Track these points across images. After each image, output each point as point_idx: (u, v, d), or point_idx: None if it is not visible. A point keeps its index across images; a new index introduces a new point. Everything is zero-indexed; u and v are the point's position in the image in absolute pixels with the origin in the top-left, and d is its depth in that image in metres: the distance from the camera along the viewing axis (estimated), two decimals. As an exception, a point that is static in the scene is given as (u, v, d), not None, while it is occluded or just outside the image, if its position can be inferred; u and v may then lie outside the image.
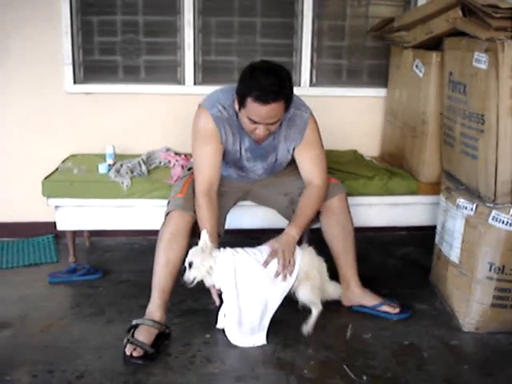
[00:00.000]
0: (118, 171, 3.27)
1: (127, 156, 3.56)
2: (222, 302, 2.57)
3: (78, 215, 3.21)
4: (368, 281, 2.91)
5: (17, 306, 2.86)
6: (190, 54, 3.76)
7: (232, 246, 2.59)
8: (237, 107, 2.49)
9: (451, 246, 2.82)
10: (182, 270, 2.61)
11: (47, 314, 2.79)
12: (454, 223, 2.81)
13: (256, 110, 2.39)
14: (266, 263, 2.53)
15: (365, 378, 2.32)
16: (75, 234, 3.37)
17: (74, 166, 3.39)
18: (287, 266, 2.54)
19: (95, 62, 3.78)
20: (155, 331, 2.48)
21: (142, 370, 2.34)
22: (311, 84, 3.89)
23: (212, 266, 2.46)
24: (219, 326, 2.63)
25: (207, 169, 2.60)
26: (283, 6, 3.83)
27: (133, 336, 2.45)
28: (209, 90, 3.63)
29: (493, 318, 2.66)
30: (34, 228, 3.76)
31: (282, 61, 3.83)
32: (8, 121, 3.71)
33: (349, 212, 2.84)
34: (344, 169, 3.39)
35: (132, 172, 3.29)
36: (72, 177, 3.27)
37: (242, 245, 2.60)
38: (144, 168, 3.37)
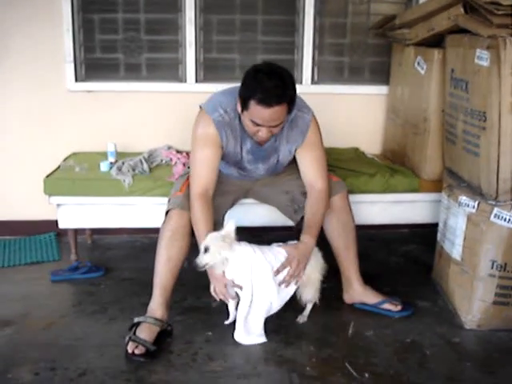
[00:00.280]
0: (119, 169, 3.27)
1: (129, 154, 3.56)
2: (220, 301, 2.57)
3: (79, 213, 3.21)
4: (370, 278, 2.91)
5: (19, 304, 2.86)
6: (192, 51, 3.76)
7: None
8: (239, 109, 2.48)
9: (453, 244, 2.82)
10: (184, 268, 2.62)
11: (49, 312, 2.80)
12: (455, 221, 2.80)
13: (259, 112, 2.37)
14: (277, 271, 2.53)
15: (367, 375, 2.32)
16: (77, 232, 3.37)
17: (76, 164, 3.39)
18: (295, 276, 2.55)
19: (97, 60, 3.78)
20: (157, 329, 2.49)
21: (144, 367, 2.34)
22: (313, 81, 3.89)
23: (228, 257, 2.44)
24: (230, 320, 2.62)
25: (204, 172, 2.57)
26: (285, 3, 3.82)
27: (135, 334, 2.45)
28: (210, 87, 3.65)
29: (495, 315, 2.66)
30: (36, 226, 3.77)
31: (284, 58, 3.85)
32: (9, 119, 3.71)
33: (350, 210, 2.83)
34: (346, 166, 3.38)
35: (133, 170, 3.29)
36: (74, 175, 3.27)
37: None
38: (146, 166, 3.37)
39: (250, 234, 3.30)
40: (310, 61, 3.85)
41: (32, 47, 3.61)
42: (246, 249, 2.50)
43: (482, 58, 2.54)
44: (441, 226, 3.04)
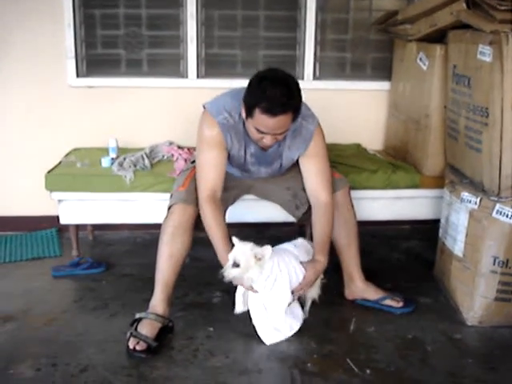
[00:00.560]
0: (120, 165, 3.27)
1: (130, 150, 3.56)
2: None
3: (81, 209, 3.21)
4: (371, 275, 2.91)
5: (20, 300, 2.86)
6: (193, 47, 3.75)
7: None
8: (244, 115, 2.45)
9: (455, 240, 2.82)
10: (185, 264, 2.62)
11: (50, 308, 2.80)
12: (457, 217, 2.80)
13: (264, 121, 2.34)
14: (293, 293, 2.51)
15: (368, 371, 2.32)
16: (78, 227, 3.37)
17: (77, 160, 3.39)
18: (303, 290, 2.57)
19: (98, 56, 3.78)
20: (158, 325, 2.48)
21: (145, 363, 2.34)
22: (314, 77, 3.88)
23: (255, 277, 2.40)
24: (238, 310, 2.60)
25: (211, 174, 2.54)
26: (286, -2, 3.82)
27: (136, 330, 2.45)
28: (212, 83, 3.66)
29: (496, 311, 2.65)
30: (37, 222, 3.77)
31: (286, 54, 3.85)
32: (11, 114, 3.71)
33: (352, 206, 2.83)
34: (347, 162, 3.38)
35: (135, 166, 3.29)
36: (75, 170, 3.27)
37: (246, 238, 2.58)
38: (147, 162, 3.36)
39: (252, 230, 3.33)
40: (311, 56, 3.84)
41: (33, 42, 3.61)
42: (274, 269, 2.43)
43: (485, 53, 2.53)
44: (443, 222, 3.03)
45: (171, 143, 3.67)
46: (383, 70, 3.91)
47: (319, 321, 2.70)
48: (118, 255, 3.46)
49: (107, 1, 3.68)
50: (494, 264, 2.59)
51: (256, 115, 2.34)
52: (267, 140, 2.44)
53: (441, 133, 3.20)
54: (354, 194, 2.93)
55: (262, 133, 2.40)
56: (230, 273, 2.36)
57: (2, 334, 2.55)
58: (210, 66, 3.84)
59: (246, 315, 2.54)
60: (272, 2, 3.80)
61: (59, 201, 3.18)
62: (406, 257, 3.53)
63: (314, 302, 2.71)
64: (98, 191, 3.18)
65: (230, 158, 2.64)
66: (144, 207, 3.22)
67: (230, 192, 2.81)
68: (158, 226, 2.65)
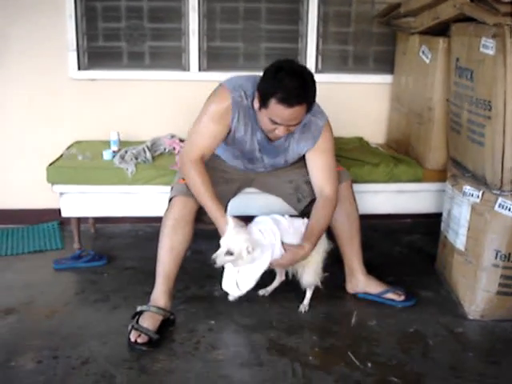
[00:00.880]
0: (122, 158, 3.26)
1: (132, 142, 3.55)
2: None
3: (82, 202, 3.21)
4: (373, 268, 2.91)
5: (22, 293, 2.86)
6: (195, 39, 3.74)
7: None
8: (256, 106, 2.44)
9: (457, 234, 2.81)
10: (187, 257, 2.62)
11: (52, 301, 2.80)
12: (460, 210, 2.79)
13: (279, 111, 2.34)
14: (271, 264, 2.52)
15: (369, 364, 2.32)
16: (80, 220, 3.37)
17: (79, 153, 3.38)
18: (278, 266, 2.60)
19: (99, 48, 3.77)
20: (160, 317, 2.49)
21: (147, 356, 2.35)
22: (317, 70, 3.86)
23: (245, 265, 2.44)
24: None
25: (204, 143, 2.53)
26: (289, -9, 3.81)
27: (137, 322, 2.45)
28: (214, 76, 3.65)
29: (498, 305, 2.65)
30: (39, 215, 3.77)
31: (288, 47, 3.84)
32: (12, 107, 3.71)
33: (354, 199, 2.83)
34: (349, 156, 3.37)
35: (136, 158, 3.28)
36: (76, 163, 3.27)
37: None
38: (149, 154, 3.36)
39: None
40: (313, 49, 3.83)
41: (34, 35, 3.60)
42: (266, 248, 2.46)
43: (488, 46, 2.52)
44: (445, 215, 3.03)
45: (173, 136, 3.66)
46: (386, 63, 3.90)
47: (321, 314, 2.71)
48: (120, 248, 3.47)
49: (109, -7, 3.68)
50: (495, 258, 2.59)
51: (271, 105, 2.34)
52: (280, 131, 2.43)
53: (443, 126, 3.20)
54: (356, 187, 2.92)
55: (276, 123, 2.40)
56: (222, 260, 2.39)
57: (4, 327, 2.55)
58: (212, 59, 3.83)
59: (247, 308, 2.55)
60: (274, -6, 3.80)
61: (61, 194, 3.19)
62: (408, 250, 3.53)
63: (316, 293, 2.71)
64: (99, 184, 3.18)
65: (234, 143, 2.62)
66: (146, 200, 3.22)
67: (231, 185, 2.81)
68: (159, 219, 2.65)
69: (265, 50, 3.84)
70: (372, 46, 3.93)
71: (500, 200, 2.55)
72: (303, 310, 2.72)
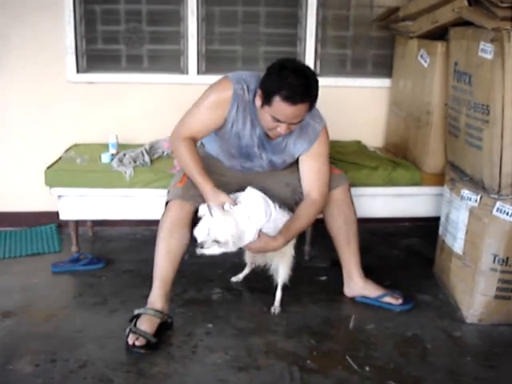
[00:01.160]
0: (120, 161, 3.26)
1: (130, 146, 3.55)
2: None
3: (80, 205, 3.21)
4: (371, 272, 2.91)
5: (19, 296, 2.86)
6: (194, 43, 3.74)
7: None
8: (258, 103, 2.45)
9: (455, 238, 2.81)
10: (185, 260, 2.62)
11: (50, 304, 2.80)
12: (458, 214, 2.79)
13: (283, 109, 2.35)
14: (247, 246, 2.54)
15: (367, 368, 2.32)
16: (78, 223, 3.37)
17: (77, 156, 3.38)
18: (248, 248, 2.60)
19: (98, 51, 3.77)
20: (157, 321, 2.48)
21: (145, 359, 2.34)
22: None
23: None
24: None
25: (196, 126, 2.56)
26: (287, -5, 3.81)
27: (135, 325, 2.45)
28: (212, 79, 3.62)
29: (496, 309, 2.65)
30: (37, 217, 3.77)
31: (286, 50, 3.85)
32: (10, 110, 3.71)
33: (352, 203, 2.83)
34: (347, 159, 3.38)
35: (135, 162, 3.28)
36: (75, 166, 3.26)
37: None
38: (147, 158, 3.36)
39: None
40: (312, 53, 3.84)
41: (33, 38, 3.60)
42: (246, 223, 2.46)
43: (486, 50, 2.52)
44: (443, 219, 3.03)
45: (171, 139, 3.66)
46: (384, 67, 3.90)
47: (318, 318, 2.71)
48: (118, 251, 3.46)
49: (107, -4, 3.69)
50: (493, 262, 2.59)
51: (275, 103, 2.35)
52: (281, 129, 2.44)
53: (441, 130, 3.20)
54: (354, 191, 2.93)
55: (278, 121, 2.41)
56: (209, 246, 2.39)
57: (2, 330, 2.55)
58: (211, 62, 3.83)
59: (244, 311, 2.54)
60: (273, -2, 3.80)
61: (59, 196, 3.18)
62: (406, 254, 3.53)
63: (313, 298, 2.71)
64: (97, 187, 3.17)
65: (231, 137, 2.62)
66: (144, 203, 3.22)
67: (229, 188, 2.80)
68: (157, 223, 2.65)
69: (263, 54, 3.84)
70: (370, 49, 3.94)
71: (498, 204, 2.55)
72: (276, 312, 2.71)
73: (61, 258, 3.27)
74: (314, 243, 3.30)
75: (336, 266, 2.92)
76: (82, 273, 3.13)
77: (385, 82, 3.90)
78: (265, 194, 2.95)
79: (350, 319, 2.71)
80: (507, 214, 2.53)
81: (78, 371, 2.25)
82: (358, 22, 3.89)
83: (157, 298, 2.54)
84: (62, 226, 3.69)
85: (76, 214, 3.24)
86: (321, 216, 2.85)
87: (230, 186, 2.80)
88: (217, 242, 2.38)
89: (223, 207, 2.44)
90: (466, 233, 2.72)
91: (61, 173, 3.18)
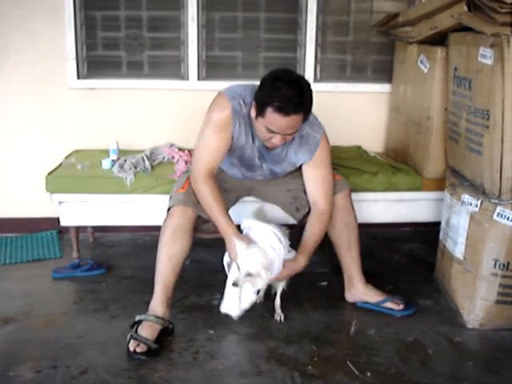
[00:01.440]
0: (121, 167, 3.27)
1: (131, 151, 3.56)
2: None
3: (81, 211, 3.21)
4: (372, 277, 2.90)
5: (20, 302, 2.86)
6: (194, 49, 3.75)
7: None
8: (253, 114, 2.45)
9: (456, 243, 2.81)
10: (186, 266, 2.62)
11: (51, 310, 2.79)
12: (458, 219, 2.80)
13: (276, 120, 2.36)
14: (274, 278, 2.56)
15: (369, 374, 2.32)
16: (79, 229, 3.37)
17: (78, 162, 3.39)
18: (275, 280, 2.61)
19: (99, 58, 3.78)
20: (159, 327, 2.48)
21: (146, 365, 2.34)
22: (315, 79, 3.87)
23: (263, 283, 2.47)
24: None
25: (210, 156, 2.55)
26: (287, 0, 3.81)
27: (136, 332, 2.45)
28: (212, 85, 3.65)
29: (497, 314, 2.65)
30: (38, 223, 3.77)
31: (286, 56, 3.85)
32: (11, 116, 3.71)
33: (353, 208, 2.83)
34: (348, 164, 3.38)
35: (135, 167, 3.29)
36: (75, 172, 3.26)
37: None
38: (148, 163, 3.36)
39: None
40: (312, 59, 3.84)
41: (34, 44, 3.60)
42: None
43: (486, 56, 2.53)
44: (443, 224, 3.03)
45: (172, 145, 3.67)
46: (384, 73, 3.91)
47: (320, 323, 2.70)
48: (119, 257, 3.46)
49: (108, 2, 3.68)
50: (494, 267, 2.59)
51: (268, 114, 2.35)
52: (276, 140, 2.45)
53: (441, 135, 3.20)
54: (355, 196, 2.93)
55: (272, 132, 2.41)
56: (243, 282, 2.43)
57: (2, 336, 2.55)
58: (211, 68, 3.84)
59: (246, 317, 2.54)
60: (273, 4, 3.80)
61: (60, 202, 3.18)
62: (407, 259, 3.53)
63: (314, 303, 2.71)
64: (98, 193, 3.18)
65: (236, 150, 2.63)
66: (144, 209, 3.22)
67: (230, 193, 2.81)
68: (158, 228, 2.65)
69: (263, 60, 3.84)
70: (370, 55, 3.94)
71: (498, 209, 2.55)
72: (281, 319, 2.71)
73: (61, 264, 3.26)
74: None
75: (337, 272, 2.92)
76: (82, 279, 3.13)
77: (385, 88, 3.90)
78: (266, 199, 2.97)
79: (351, 325, 2.70)
80: (508, 218, 2.53)
81: (79, 377, 2.25)
82: (357, 27, 3.89)
83: (158, 304, 2.54)
84: (62, 232, 3.70)
85: (77, 219, 3.25)
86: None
87: (232, 192, 2.82)
88: (249, 275, 2.40)
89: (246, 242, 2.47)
90: (467, 238, 2.72)
91: (61, 179, 3.18)
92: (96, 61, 3.77)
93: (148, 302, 2.57)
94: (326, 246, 2.74)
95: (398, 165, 3.50)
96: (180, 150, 3.57)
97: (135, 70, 3.81)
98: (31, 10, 3.55)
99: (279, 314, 2.71)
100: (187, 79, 3.81)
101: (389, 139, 3.91)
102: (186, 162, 3.28)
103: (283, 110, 2.32)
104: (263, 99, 2.37)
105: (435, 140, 3.24)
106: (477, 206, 2.65)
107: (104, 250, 3.59)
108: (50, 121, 3.74)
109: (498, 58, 2.44)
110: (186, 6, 3.69)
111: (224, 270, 2.62)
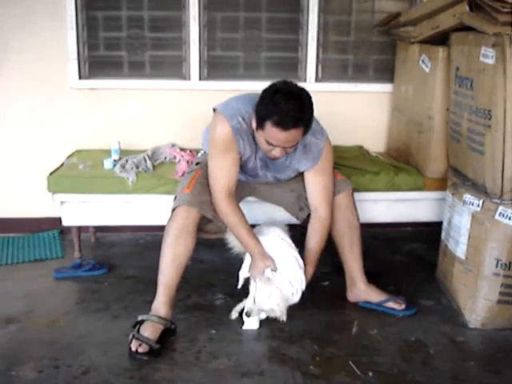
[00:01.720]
0: (123, 167, 3.27)
1: (132, 151, 3.56)
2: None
3: (83, 211, 3.21)
4: (374, 277, 2.91)
5: (22, 302, 2.86)
6: (196, 49, 3.75)
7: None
8: (254, 125, 2.45)
9: (457, 242, 2.81)
10: (188, 266, 2.61)
11: (52, 310, 2.80)
12: (460, 219, 2.79)
13: (275, 134, 2.35)
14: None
15: (371, 374, 2.32)
16: (80, 229, 3.38)
17: (79, 162, 3.39)
18: None
19: (100, 58, 3.78)
20: (161, 327, 2.48)
21: (148, 365, 2.34)
22: (317, 79, 3.87)
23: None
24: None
25: (226, 178, 2.57)
26: (289, 0, 3.81)
27: (138, 332, 2.45)
28: (214, 85, 3.66)
29: (499, 314, 2.65)
30: (40, 223, 3.77)
31: (288, 56, 3.85)
32: (13, 116, 3.71)
33: (355, 208, 2.83)
34: (350, 164, 3.38)
35: (137, 167, 3.29)
36: (77, 172, 3.27)
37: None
38: (149, 163, 3.36)
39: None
40: (314, 59, 3.84)
41: (35, 44, 3.60)
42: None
43: (487, 55, 2.53)
44: (445, 224, 3.03)
45: (173, 145, 3.67)
46: (385, 72, 3.91)
47: (321, 323, 2.70)
48: (121, 257, 3.46)
49: (110, 3, 3.68)
50: (496, 266, 2.59)
51: (267, 128, 2.35)
52: (276, 152, 2.46)
53: (443, 135, 3.20)
54: (357, 196, 2.92)
55: (272, 145, 2.41)
56: (256, 313, 2.51)
57: (4, 336, 2.55)
58: (213, 68, 3.84)
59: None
60: (274, 3, 3.80)
61: (61, 202, 3.19)
62: (409, 259, 3.53)
63: (316, 303, 2.71)
64: (100, 193, 3.18)
65: (243, 164, 2.65)
66: (146, 209, 3.22)
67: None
68: (160, 228, 2.65)
69: (265, 59, 3.84)
70: (372, 55, 3.94)
71: (500, 209, 2.55)
72: (283, 319, 2.70)
73: (63, 264, 3.26)
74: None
75: (339, 272, 2.91)
76: (84, 279, 3.13)
77: (386, 87, 3.90)
78: (269, 200, 2.97)
79: (352, 324, 2.71)
80: (509, 218, 2.53)
81: (82, 377, 2.25)
82: (359, 27, 3.89)
83: (161, 304, 2.54)
84: (64, 231, 3.69)
85: (78, 219, 3.25)
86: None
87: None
88: (262, 310, 2.47)
89: (265, 272, 2.52)
90: (469, 237, 2.72)
91: (63, 179, 3.18)
92: (97, 61, 3.77)
93: (150, 302, 2.57)
94: (327, 246, 2.74)
95: (399, 165, 3.50)
96: (182, 150, 3.57)
97: (137, 70, 3.81)
98: (32, 10, 3.55)
99: (282, 317, 2.70)
100: (189, 79, 3.81)
101: (390, 139, 3.91)
102: (188, 162, 3.28)
103: (282, 125, 2.31)
104: (263, 113, 2.36)
105: (437, 140, 3.24)
106: (479, 205, 2.65)
107: (106, 249, 3.60)
108: (51, 121, 3.74)
109: (500, 58, 2.44)
110: (188, 5, 3.69)
111: (225, 271, 2.63)
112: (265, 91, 2.40)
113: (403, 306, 2.80)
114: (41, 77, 3.66)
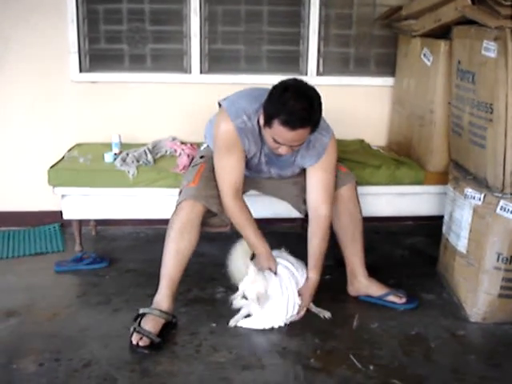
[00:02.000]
0: (123, 160, 3.27)
1: (133, 145, 3.55)
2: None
3: (84, 204, 3.21)
4: (375, 271, 2.91)
5: (23, 295, 2.86)
6: (197, 42, 3.74)
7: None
8: (261, 122, 2.44)
9: (459, 236, 2.81)
10: (190, 261, 2.62)
11: (53, 303, 2.80)
12: (461, 213, 2.79)
13: (282, 133, 2.34)
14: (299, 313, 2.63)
15: (371, 367, 2.32)
16: (81, 222, 3.38)
17: (80, 155, 3.39)
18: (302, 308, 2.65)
19: (101, 51, 3.77)
20: (162, 321, 2.48)
21: (149, 358, 2.34)
22: (318, 73, 3.86)
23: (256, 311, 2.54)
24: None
25: (232, 177, 2.57)
26: (290, -7, 3.81)
27: (139, 325, 2.45)
28: (215, 78, 3.65)
29: (500, 308, 2.65)
30: (40, 217, 3.77)
31: (289, 49, 3.84)
32: (13, 109, 3.71)
33: (358, 201, 2.83)
34: (351, 158, 3.37)
35: (138, 161, 3.28)
36: (78, 166, 3.26)
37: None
38: (150, 157, 3.36)
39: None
40: (315, 52, 3.83)
41: (36, 38, 3.60)
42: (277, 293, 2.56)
43: (489, 49, 2.52)
44: (446, 218, 3.02)
45: (174, 138, 3.67)
46: (387, 66, 3.90)
47: (322, 317, 2.70)
48: (121, 250, 3.46)
49: (110, -4, 3.68)
50: (497, 260, 2.59)
51: (274, 126, 2.34)
52: (283, 150, 2.45)
53: (445, 129, 3.19)
54: (358, 189, 2.92)
55: (279, 143, 2.40)
56: (237, 302, 2.51)
57: (5, 329, 2.55)
58: (214, 62, 3.83)
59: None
60: (275, -4, 3.80)
61: (62, 196, 3.19)
62: (410, 253, 3.53)
63: (317, 297, 2.71)
64: (101, 186, 3.18)
65: (248, 161, 2.65)
66: (147, 202, 3.22)
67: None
68: (161, 222, 2.66)
69: (266, 53, 3.83)
70: (373, 48, 3.93)
71: (502, 203, 2.55)
72: (326, 316, 2.74)
73: (64, 258, 3.26)
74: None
75: (339, 265, 2.91)
76: (85, 272, 3.13)
77: (388, 81, 3.89)
78: (272, 193, 2.96)
79: (353, 318, 2.71)
80: (511, 212, 2.52)
81: (83, 370, 2.25)
82: (360, 20, 3.88)
83: (163, 298, 2.53)
84: (65, 225, 3.69)
85: (79, 213, 3.25)
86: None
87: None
88: (244, 297, 2.48)
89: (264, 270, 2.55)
90: (470, 231, 2.72)
91: (64, 172, 3.18)
92: (98, 54, 3.77)
93: (151, 295, 2.57)
94: (329, 239, 2.73)
95: (400, 158, 3.49)
96: (182, 143, 3.56)
97: (137, 63, 3.80)
98: (33, 3, 3.54)
99: (323, 313, 2.72)
100: (190, 72, 3.80)
101: (392, 133, 3.91)
102: (189, 156, 3.28)
103: (289, 124, 2.30)
104: (271, 111, 2.35)
105: (438, 133, 3.23)
106: (480, 199, 2.65)
107: (106, 243, 3.60)
108: (52, 114, 3.74)
109: (502, 51, 2.44)
110: (189, -2, 3.68)
111: (226, 265, 2.63)
112: (274, 88, 2.38)
113: (404, 300, 2.80)
114: (41, 70, 3.65)
